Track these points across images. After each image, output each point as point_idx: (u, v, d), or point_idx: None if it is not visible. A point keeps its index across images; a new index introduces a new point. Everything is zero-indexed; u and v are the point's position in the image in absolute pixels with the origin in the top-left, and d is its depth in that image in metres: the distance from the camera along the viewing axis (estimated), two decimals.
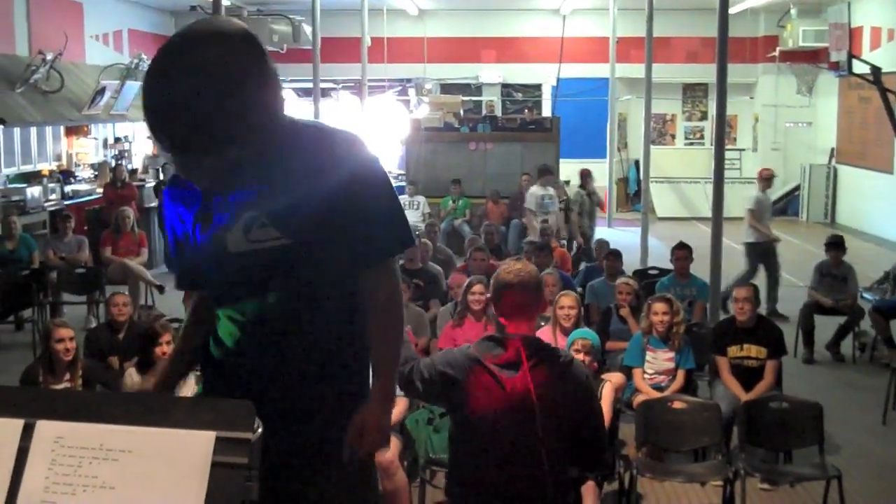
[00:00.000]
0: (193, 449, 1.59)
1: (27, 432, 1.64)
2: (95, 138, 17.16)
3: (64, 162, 15.88)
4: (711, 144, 17.40)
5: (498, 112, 20.98)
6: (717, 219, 8.56)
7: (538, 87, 22.31)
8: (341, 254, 2.62)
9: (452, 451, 3.45)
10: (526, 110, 19.71)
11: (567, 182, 18.02)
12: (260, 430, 1.60)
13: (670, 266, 9.32)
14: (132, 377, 6.18)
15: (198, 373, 6.36)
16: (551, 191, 12.40)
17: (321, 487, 2.67)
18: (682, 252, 9.01)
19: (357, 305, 2.72)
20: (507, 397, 3.25)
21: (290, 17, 17.19)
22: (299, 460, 2.62)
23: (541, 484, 3.24)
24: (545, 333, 6.51)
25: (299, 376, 2.65)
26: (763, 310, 8.94)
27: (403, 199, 16.01)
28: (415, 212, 15.77)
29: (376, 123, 20.56)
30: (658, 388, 6.67)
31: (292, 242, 2.54)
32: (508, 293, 3.38)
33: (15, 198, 12.84)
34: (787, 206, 21.43)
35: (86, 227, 13.24)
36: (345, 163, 2.59)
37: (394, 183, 3.02)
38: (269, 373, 2.64)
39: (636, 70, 17.29)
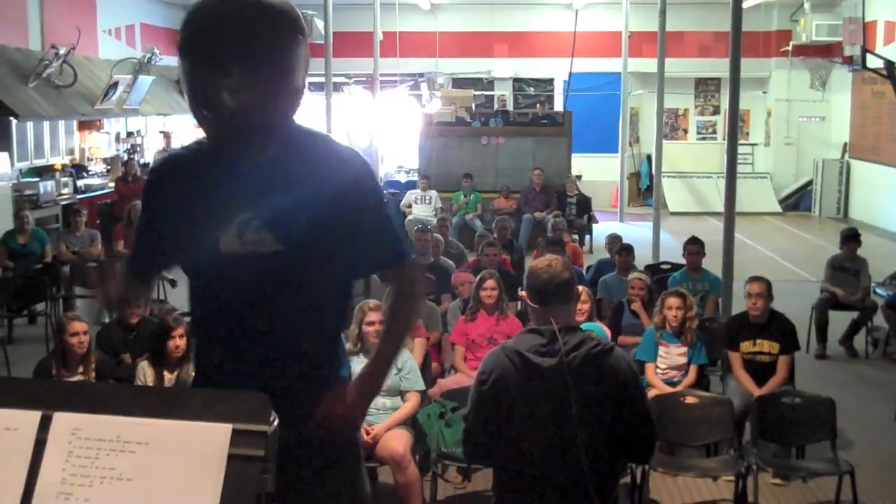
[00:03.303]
0: (210, 441, 1.59)
1: (44, 424, 1.64)
2: (108, 133, 17.19)
3: (76, 156, 15.91)
4: (724, 139, 17.35)
5: (510, 106, 20.97)
6: (730, 214, 8.54)
7: (550, 81, 22.28)
8: (331, 263, 2.63)
9: (498, 442, 3.51)
10: (538, 105, 19.68)
11: (579, 177, 18.00)
12: (276, 422, 1.61)
13: (682, 261, 9.31)
14: (145, 371, 6.21)
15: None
16: None
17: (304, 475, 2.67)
18: (695, 247, 8.99)
19: (338, 311, 2.76)
20: (543, 384, 3.33)
21: (303, 11, 17.14)
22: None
23: (579, 472, 3.30)
24: None
25: (282, 378, 2.64)
26: None
27: (416, 193, 16.05)
28: (426, 206, 15.79)
29: (388, 118, 20.59)
30: (670, 382, 6.67)
31: (285, 249, 2.54)
32: (541, 281, 3.47)
33: (27, 192, 12.88)
34: (800, 201, 21.38)
35: (98, 222, 13.29)
36: (346, 178, 2.60)
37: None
38: (251, 373, 2.63)
39: (648, 64, 17.27)
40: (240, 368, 2.63)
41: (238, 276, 2.56)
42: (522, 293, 3.59)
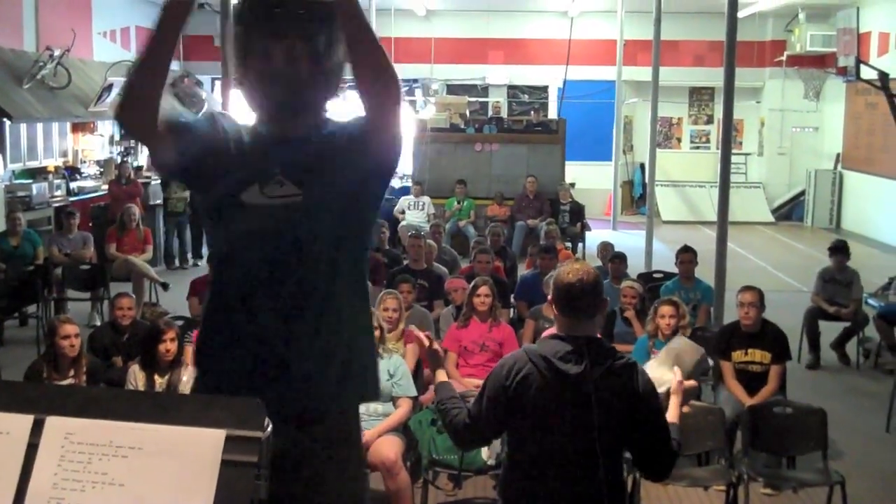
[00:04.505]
0: (203, 447, 1.59)
1: (37, 428, 1.64)
2: (102, 135, 17.17)
3: (70, 158, 15.88)
4: (717, 148, 17.40)
5: (504, 113, 21.01)
6: (723, 223, 8.56)
7: (545, 88, 22.31)
8: (348, 217, 2.67)
9: (510, 447, 3.53)
10: (532, 112, 19.68)
11: (572, 185, 18.01)
12: (270, 428, 1.60)
13: (675, 270, 9.32)
14: (136, 375, 6.19)
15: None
16: None
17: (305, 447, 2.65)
18: (687, 255, 9.00)
19: (353, 267, 2.72)
20: (567, 391, 3.34)
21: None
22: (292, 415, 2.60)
23: (595, 478, 3.32)
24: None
25: (302, 337, 2.62)
26: None
27: (409, 199, 16.05)
28: (419, 212, 15.79)
29: None
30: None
31: (305, 200, 2.58)
32: (571, 294, 3.45)
33: (20, 193, 12.85)
34: (792, 211, 21.43)
35: (91, 224, 13.25)
36: (350, 130, 2.69)
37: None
38: (273, 332, 2.61)
39: (643, 73, 17.28)
40: (258, 335, 2.60)
41: (258, 228, 2.59)
42: (549, 299, 3.55)
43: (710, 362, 3.86)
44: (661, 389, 3.76)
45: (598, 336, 3.56)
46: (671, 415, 3.64)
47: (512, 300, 9.32)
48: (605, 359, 3.39)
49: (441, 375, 3.72)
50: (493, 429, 3.61)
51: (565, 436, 3.36)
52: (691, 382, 3.69)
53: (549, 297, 3.56)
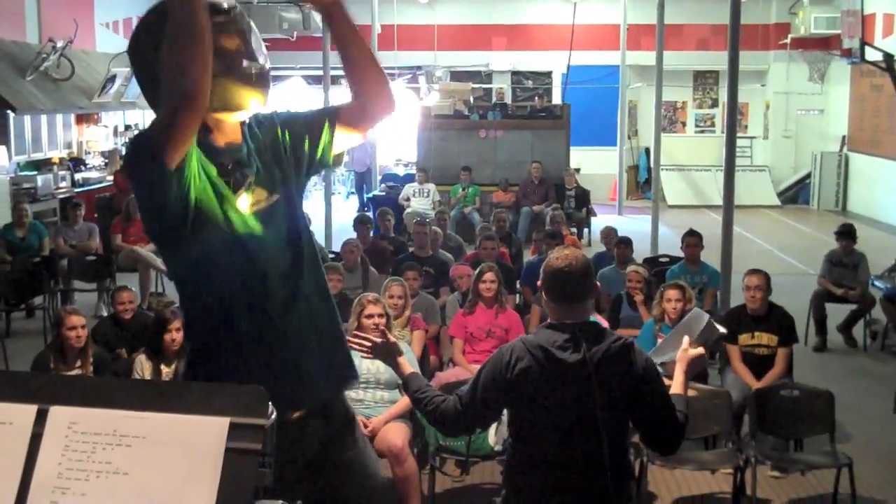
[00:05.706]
0: (207, 435, 1.58)
1: (41, 418, 1.64)
2: (106, 126, 17.17)
3: (74, 150, 15.89)
4: (722, 132, 17.34)
5: (508, 100, 20.94)
6: (728, 206, 8.53)
7: (548, 74, 22.24)
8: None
9: (513, 437, 3.52)
10: (536, 98, 19.65)
11: (577, 170, 17.98)
12: (273, 416, 1.60)
13: (681, 254, 9.31)
14: (143, 365, 6.20)
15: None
16: None
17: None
18: (693, 239, 8.99)
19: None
20: (567, 379, 3.33)
21: (300, 4, 17.20)
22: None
23: (600, 463, 3.32)
24: None
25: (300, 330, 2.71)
26: None
27: (413, 186, 16.04)
28: (424, 199, 15.79)
29: None
30: (668, 375, 6.65)
31: (279, 196, 2.67)
32: (560, 280, 3.44)
33: (25, 185, 12.88)
34: (798, 193, 21.38)
35: (96, 215, 13.26)
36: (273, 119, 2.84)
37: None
38: (271, 331, 2.67)
39: (647, 57, 17.23)
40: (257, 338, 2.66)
41: (254, 239, 2.63)
42: (539, 284, 3.53)
43: (722, 329, 3.81)
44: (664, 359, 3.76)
45: (592, 320, 3.54)
46: (677, 385, 3.62)
47: (518, 286, 9.32)
48: (602, 342, 3.38)
49: (405, 365, 3.66)
50: (488, 418, 3.63)
51: (568, 423, 3.35)
52: (698, 350, 3.67)
53: (539, 284, 3.54)
